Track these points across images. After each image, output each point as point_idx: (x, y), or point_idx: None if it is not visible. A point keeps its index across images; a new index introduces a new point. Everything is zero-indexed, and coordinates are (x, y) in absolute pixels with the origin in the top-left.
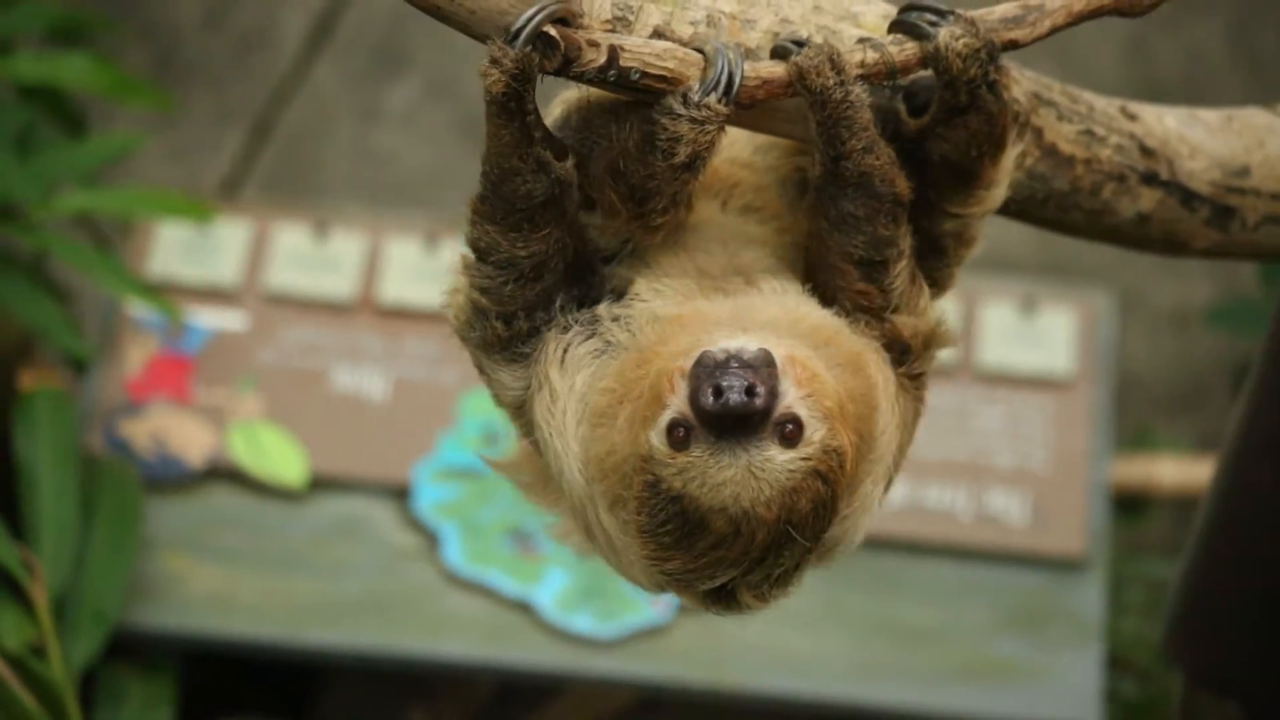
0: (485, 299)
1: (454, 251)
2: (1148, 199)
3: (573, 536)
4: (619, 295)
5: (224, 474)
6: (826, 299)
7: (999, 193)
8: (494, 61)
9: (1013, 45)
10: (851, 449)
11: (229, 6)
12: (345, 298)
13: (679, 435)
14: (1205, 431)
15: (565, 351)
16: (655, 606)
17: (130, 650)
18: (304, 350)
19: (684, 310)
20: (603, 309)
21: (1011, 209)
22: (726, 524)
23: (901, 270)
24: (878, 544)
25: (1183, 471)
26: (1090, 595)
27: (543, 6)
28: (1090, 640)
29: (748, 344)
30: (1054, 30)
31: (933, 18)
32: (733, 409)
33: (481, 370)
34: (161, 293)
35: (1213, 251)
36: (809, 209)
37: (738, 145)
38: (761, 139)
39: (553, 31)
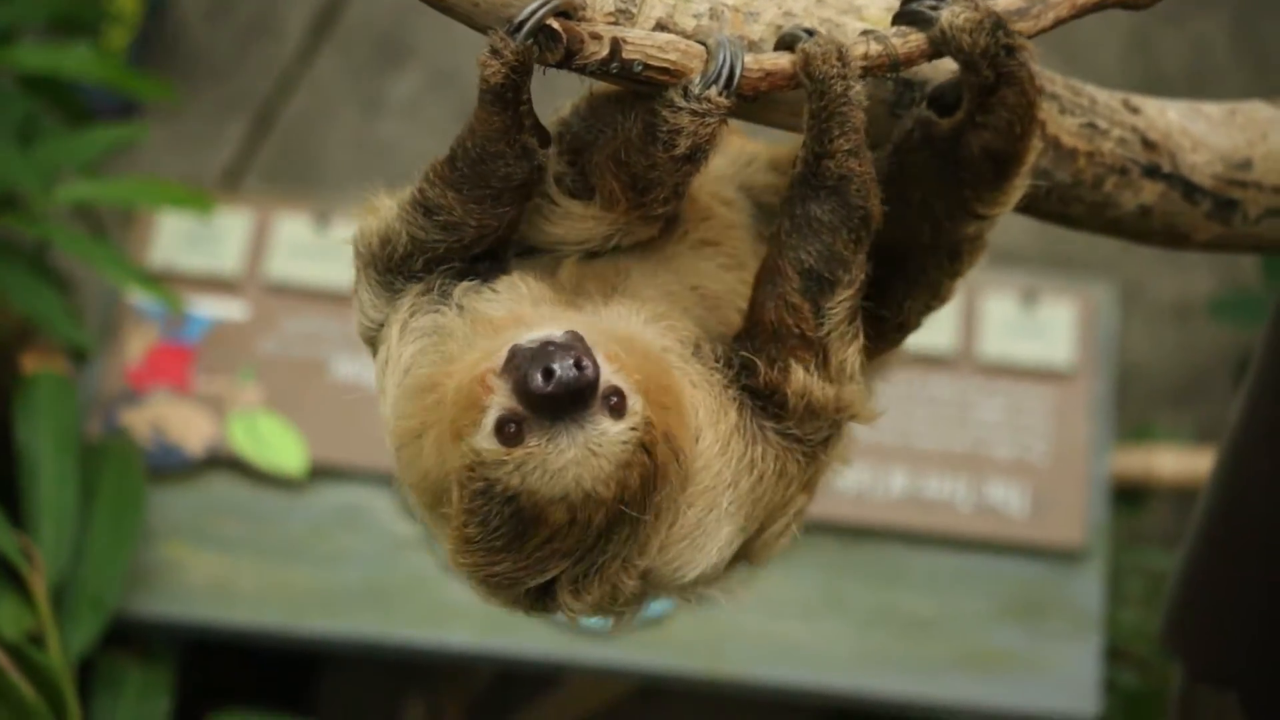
0: (408, 241)
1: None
2: (1150, 192)
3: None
4: (487, 278)
5: (224, 463)
6: (746, 328)
7: (1021, 187)
8: (494, 52)
9: None
10: (660, 429)
11: None
12: (346, 288)
13: (510, 431)
14: (1205, 423)
15: (410, 317)
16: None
17: (129, 639)
18: (304, 340)
19: (500, 314)
20: (459, 289)
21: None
22: (564, 513)
23: (845, 300)
24: (877, 534)
25: (1183, 463)
26: (1090, 586)
27: (545, 0)
28: (1089, 631)
29: (553, 331)
30: (1058, 22)
31: (933, 3)
32: (568, 383)
33: (354, 288)
34: (163, 282)
35: (1214, 244)
36: (779, 209)
37: (723, 182)
38: (748, 181)
39: (555, 24)
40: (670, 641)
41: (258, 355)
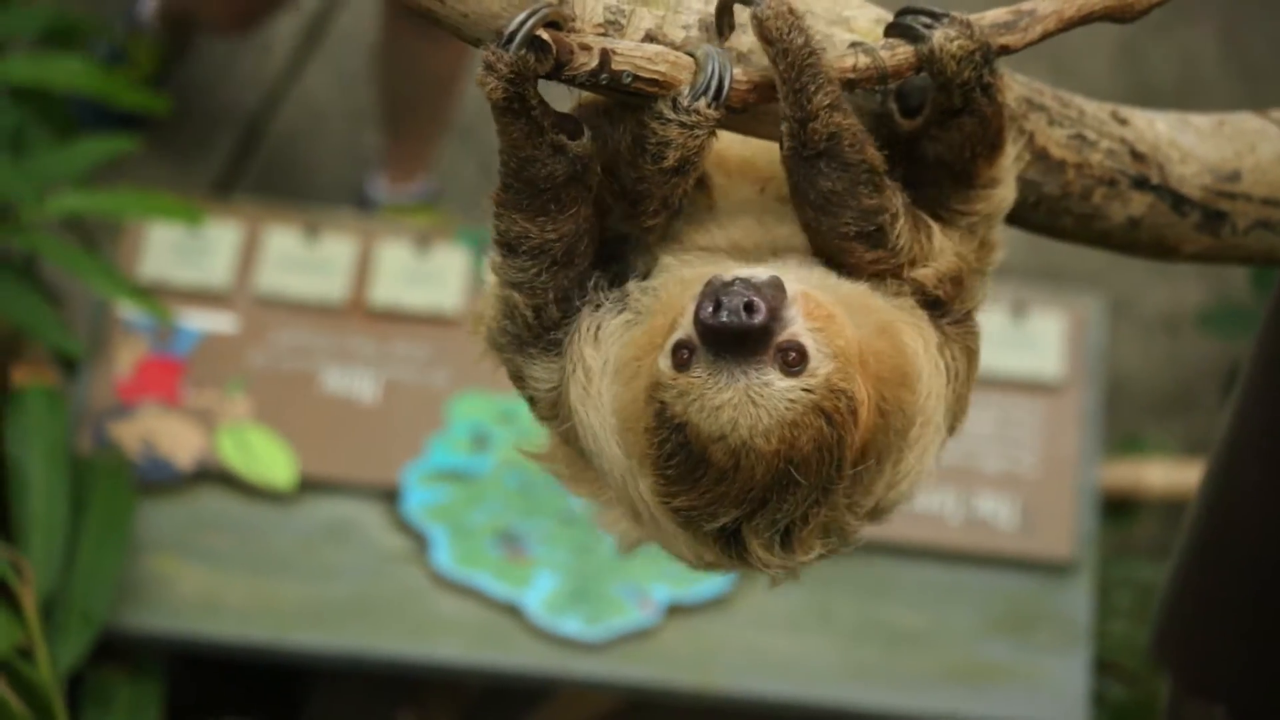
0: (518, 294)
1: (445, 254)
2: (1138, 203)
3: (620, 524)
4: (647, 274)
5: (213, 476)
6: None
7: (1003, 192)
8: (489, 68)
9: (1004, 51)
10: (870, 405)
11: None
12: (336, 300)
13: (682, 357)
14: (1195, 435)
15: (599, 328)
16: (643, 609)
17: (118, 652)
18: (294, 352)
19: (708, 268)
20: (632, 284)
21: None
22: (726, 455)
23: (901, 228)
24: (865, 547)
25: (1172, 475)
26: (1078, 599)
27: (534, 10)
28: (1078, 643)
29: (759, 271)
30: (1045, 36)
31: (928, 20)
32: (727, 324)
33: (517, 377)
34: (152, 295)
35: (1203, 256)
36: (793, 206)
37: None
38: None
39: (544, 35)
40: (658, 655)
41: (247, 368)
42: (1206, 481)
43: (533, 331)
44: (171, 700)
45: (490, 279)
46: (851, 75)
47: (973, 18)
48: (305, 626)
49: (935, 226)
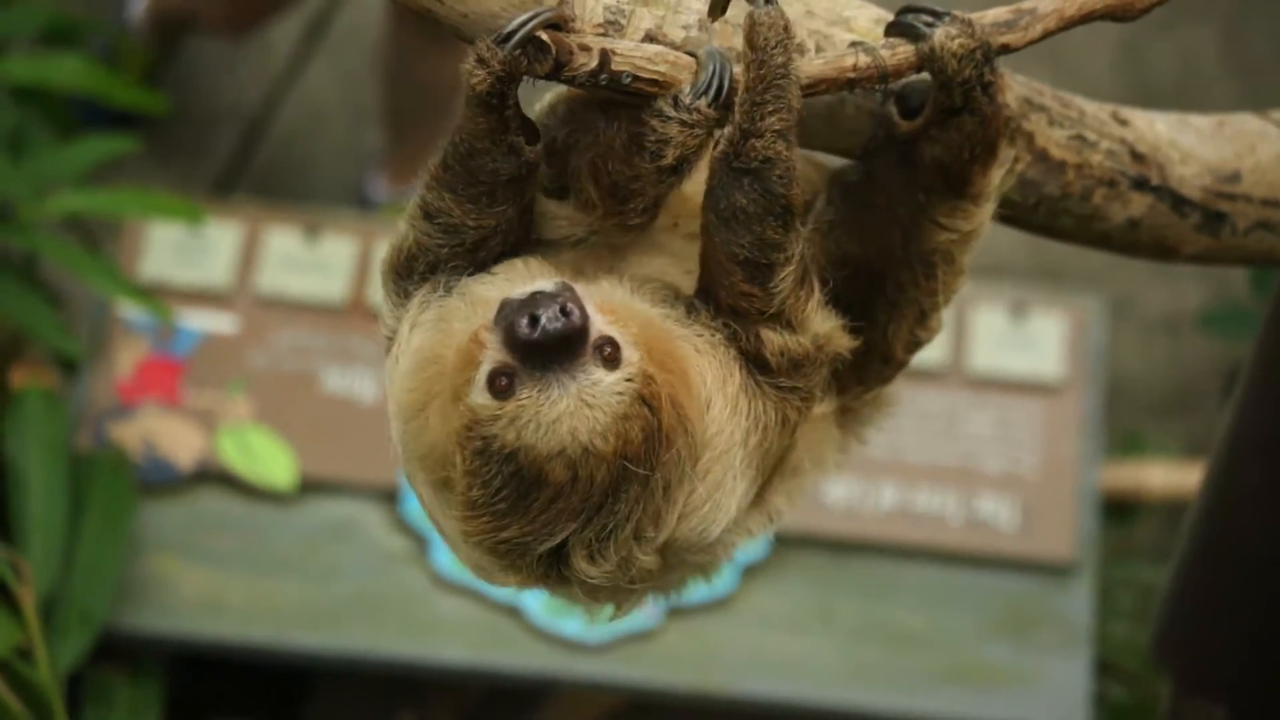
0: (414, 244)
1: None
2: (1138, 204)
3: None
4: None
5: (214, 476)
6: (711, 302)
7: (987, 210)
8: (481, 61)
9: (1005, 50)
10: (666, 392)
11: None
12: (336, 300)
13: (502, 384)
14: (1195, 436)
15: (420, 312)
16: (644, 610)
17: (118, 653)
18: (295, 353)
19: (494, 294)
20: (463, 281)
21: (1002, 214)
22: (564, 469)
23: (788, 274)
24: (867, 548)
25: (1172, 476)
26: (1079, 600)
27: (536, 12)
28: (1079, 645)
29: (545, 282)
30: (1046, 35)
31: (929, 19)
32: (553, 332)
33: (379, 311)
34: (152, 295)
35: (1203, 257)
36: (702, 208)
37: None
38: None
39: (544, 36)
40: (660, 656)
41: (248, 368)
42: (1207, 482)
43: (399, 271)
44: (172, 701)
45: (403, 225)
46: (852, 75)
47: (973, 16)
48: (306, 627)
49: (817, 295)
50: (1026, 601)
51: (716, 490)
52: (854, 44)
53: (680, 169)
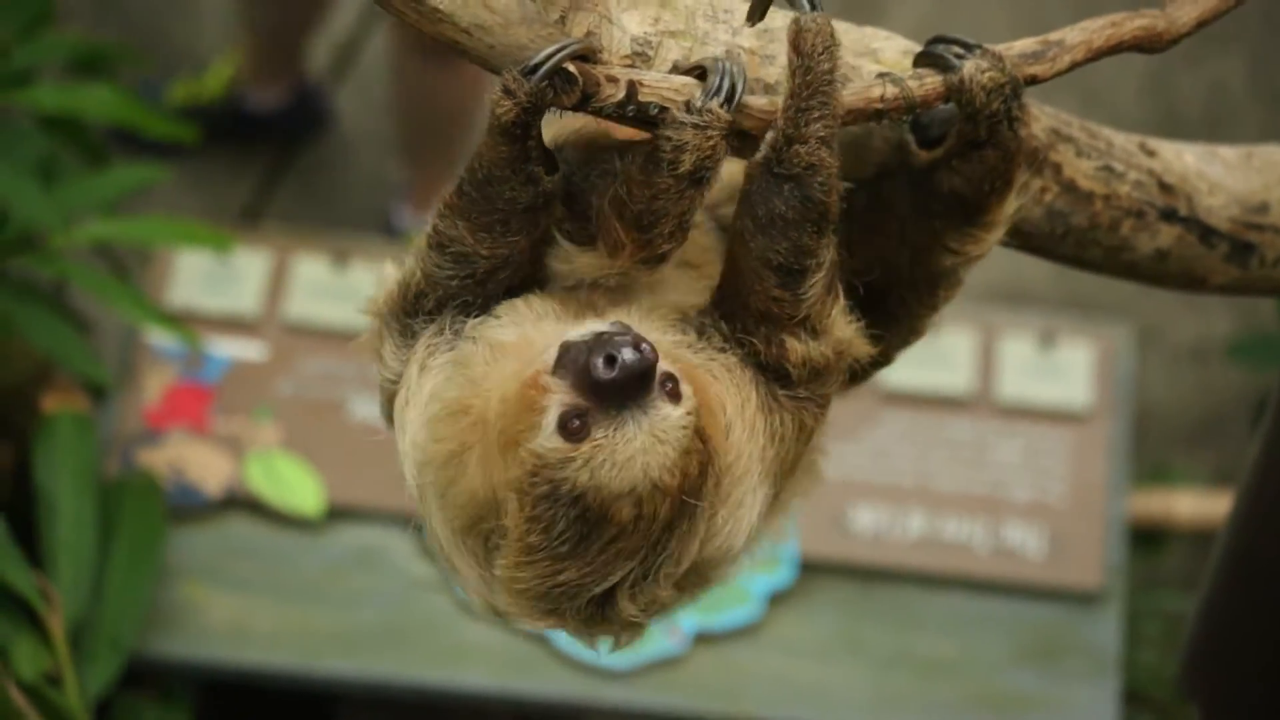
0: (424, 282)
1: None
2: (1166, 235)
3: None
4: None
5: (242, 503)
6: (731, 312)
7: (996, 236)
8: (508, 92)
9: (1032, 81)
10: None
11: None
12: (365, 328)
13: (575, 426)
14: (1223, 465)
15: (429, 355)
16: (672, 637)
17: (146, 679)
18: (322, 380)
19: (510, 338)
20: (470, 325)
21: (1030, 244)
22: (631, 508)
23: (818, 280)
24: (895, 576)
25: (1200, 505)
26: (1107, 629)
27: (564, 45)
28: (1107, 674)
29: (598, 324)
30: (1073, 66)
31: (959, 50)
32: (631, 368)
33: (379, 355)
34: (181, 322)
35: (1231, 288)
36: (736, 209)
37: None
38: (708, 200)
39: (571, 67)
40: (687, 683)
41: (276, 395)
42: (1235, 511)
43: (405, 309)
44: None
45: (408, 257)
46: (879, 105)
47: (1001, 48)
48: (333, 654)
49: (841, 302)
50: (1054, 630)
51: (738, 509)
52: (881, 74)
53: (699, 176)
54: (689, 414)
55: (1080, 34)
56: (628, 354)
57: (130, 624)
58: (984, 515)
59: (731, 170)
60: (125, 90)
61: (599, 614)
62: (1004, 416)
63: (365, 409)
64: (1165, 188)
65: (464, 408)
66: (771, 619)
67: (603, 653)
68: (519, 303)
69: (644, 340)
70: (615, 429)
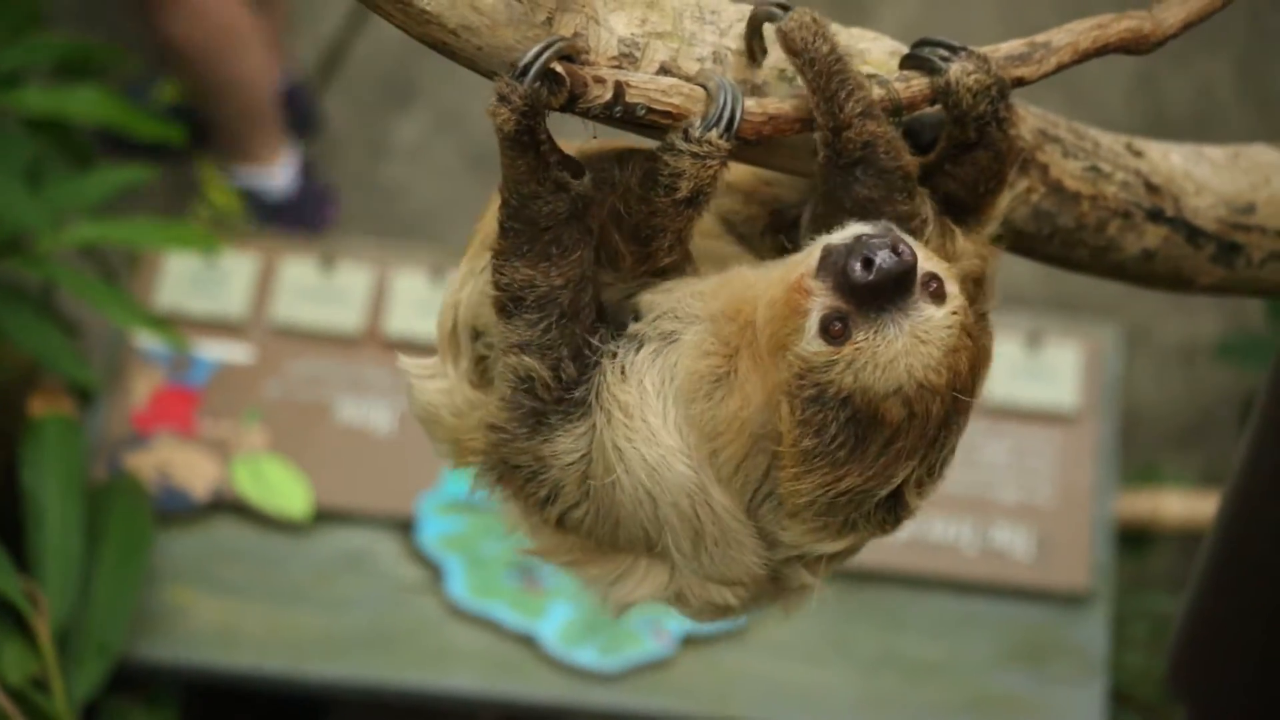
0: (529, 356)
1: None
2: (1153, 235)
3: (643, 586)
4: (637, 316)
5: (228, 506)
6: None
7: (990, 231)
8: (502, 99)
9: (1019, 82)
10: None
11: None
12: (351, 330)
13: (836, 329)
14: (1211, 466)
15: (623, 369)
16: (658, 640)
17: (133, 683)
18: (309, 383)
19: (721, 277)
20: (634, 326)
21: (1017, 245)
22: (901, 407)
23: (930, 234)
24: (882, 577)
25: (1188, 506)
26: (1094, 629)
27: (549, 43)
28: (1094, 674)
29: (863, 225)
30: (1060, 68)
31: (945, 53)
32: (889, 270)
33: (532, 475)
34: (168, 324)
35: (1218, 288)
36: (825, 204)
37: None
38: (721, 209)
39: (559, 68)
40: (675, 685)
41: (262, 398)
42: (1222, 513)
43: (553, 394)
44: None
45: (496, 409)
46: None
47: (988, 50)
48: (321, 657)
49: (958, 230)
50: (1042, 631)
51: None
52: (869, 76)
53: (695, 201)
54: (954, 313)
55: (1067, 36)
56: (884, 255)
57: (117, 628)
58: (971, 516)
59: (739, 174)
60: (112, 92)
61: (890, 516)
62: (991, 418)
63: (352, 411)
64: (1152, 188)
65: (735, 312)
66: (759, 621)
67: (599, 653)
68: (657, 293)
69: (903, 241)
70: (876, 331)
